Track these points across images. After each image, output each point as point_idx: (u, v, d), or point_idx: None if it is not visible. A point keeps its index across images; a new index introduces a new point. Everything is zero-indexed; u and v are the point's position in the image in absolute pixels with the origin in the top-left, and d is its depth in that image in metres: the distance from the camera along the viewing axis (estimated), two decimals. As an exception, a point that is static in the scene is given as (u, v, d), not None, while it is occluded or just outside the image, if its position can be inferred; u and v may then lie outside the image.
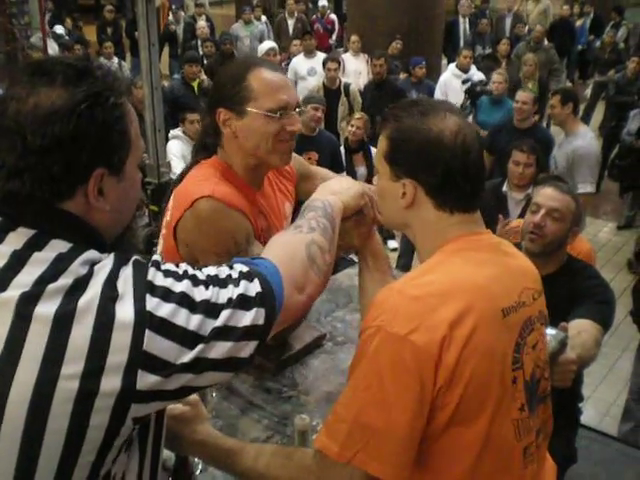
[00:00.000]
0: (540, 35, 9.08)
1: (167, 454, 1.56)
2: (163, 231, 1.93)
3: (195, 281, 1.06)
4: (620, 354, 3.93)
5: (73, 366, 0.94)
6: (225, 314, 1.04)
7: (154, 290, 1.01)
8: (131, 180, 1.13)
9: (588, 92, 9.95)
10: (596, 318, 2.32)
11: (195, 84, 6.76)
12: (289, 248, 1.28)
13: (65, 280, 0.98)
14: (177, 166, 5.14)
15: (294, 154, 2.06)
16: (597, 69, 10.09)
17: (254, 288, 1.09)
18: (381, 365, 1.20)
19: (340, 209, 1.49)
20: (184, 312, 1.01)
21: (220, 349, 1.03)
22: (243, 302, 1.07)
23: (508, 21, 11.33)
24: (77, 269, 1.00)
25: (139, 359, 0.97)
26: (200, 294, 1.04)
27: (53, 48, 9.09)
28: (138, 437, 1.07)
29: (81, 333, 0.95)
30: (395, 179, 1.36)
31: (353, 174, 5.53)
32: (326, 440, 1.23)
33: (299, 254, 1.27)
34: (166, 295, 1.01)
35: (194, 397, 1.35)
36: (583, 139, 4.77)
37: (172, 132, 5.49)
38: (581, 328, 2.27)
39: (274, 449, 1.41)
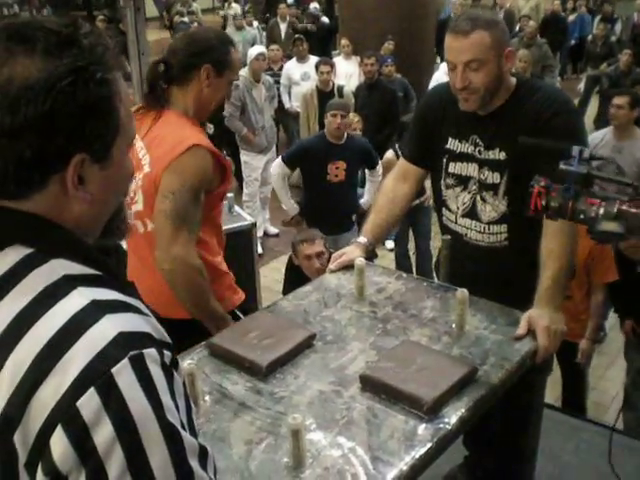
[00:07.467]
0: (533, 31, 9.09)
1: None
2: (143, 182, 2.22)
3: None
4: (622, 347, 3.91)
5: None
6: None
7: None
8: (118, 166, 0.99)
9: (581, 86, 9.94)
10: None
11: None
12: None
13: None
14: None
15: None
16: (589, 63, 10.08)
17: None
18: None
19: None
20: None
21: None
22: None
23: (500, 17, 11.34)
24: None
25: None
26: None
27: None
28: None
29: None
30: None
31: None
32: None
33: None
34: None
35: None
36: None
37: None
38: None
39: None
